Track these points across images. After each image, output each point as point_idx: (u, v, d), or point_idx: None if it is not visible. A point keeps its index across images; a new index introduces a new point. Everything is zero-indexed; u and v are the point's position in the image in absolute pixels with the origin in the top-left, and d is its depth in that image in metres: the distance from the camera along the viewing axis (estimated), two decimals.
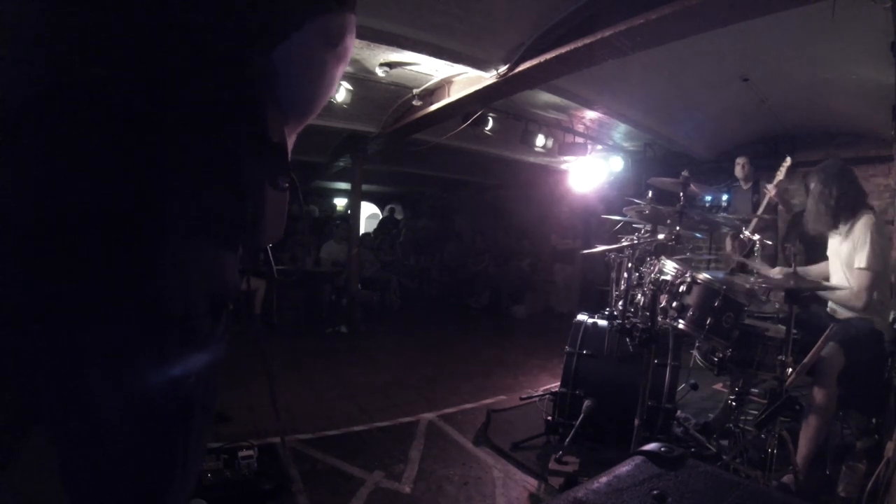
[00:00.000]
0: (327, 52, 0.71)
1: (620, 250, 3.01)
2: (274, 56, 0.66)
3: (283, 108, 0.71)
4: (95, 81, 0.61)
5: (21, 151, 0.62)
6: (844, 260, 2.43)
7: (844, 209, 2.42)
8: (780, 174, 3.43)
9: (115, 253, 0.63)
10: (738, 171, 4.52)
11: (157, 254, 0.66)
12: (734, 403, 2.66)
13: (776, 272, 2.57)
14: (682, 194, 2.67)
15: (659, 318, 2.26)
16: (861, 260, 2.29)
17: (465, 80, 3.78)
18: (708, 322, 2.25)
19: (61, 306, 0.63)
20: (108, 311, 0.64)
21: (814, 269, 2.67)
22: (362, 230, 7.97)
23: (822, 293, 2.49)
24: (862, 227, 2.35)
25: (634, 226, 3.20)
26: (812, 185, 2.56)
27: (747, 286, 2.35)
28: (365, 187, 7.22)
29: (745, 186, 4.52)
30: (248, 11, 0.65)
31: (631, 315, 2.69)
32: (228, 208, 0.69)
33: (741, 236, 3.15)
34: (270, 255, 0.93)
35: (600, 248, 3.09)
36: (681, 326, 2.33)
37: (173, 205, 0.65)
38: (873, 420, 2.36)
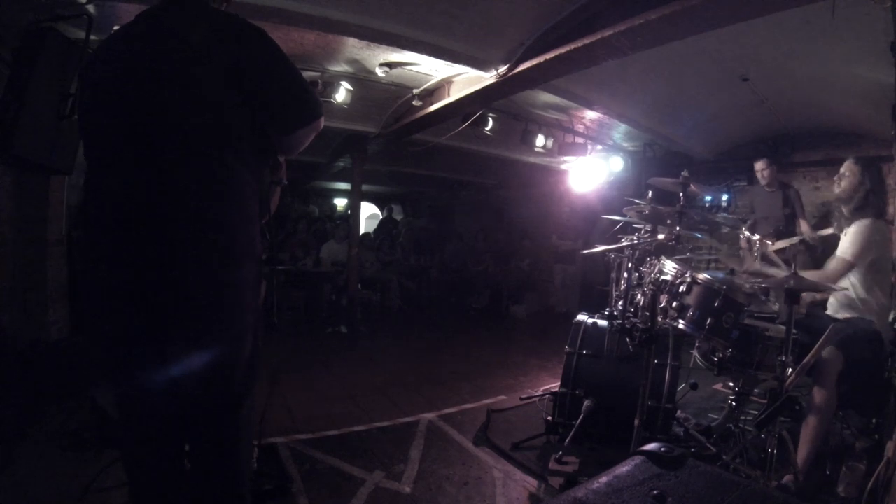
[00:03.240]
0: (313, 132, 1.35)
1: (620, 250, 3.01)
2: (291, 135, 1.32)
3: (283, 152, 1.41)
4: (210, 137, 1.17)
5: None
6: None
7: (861, 207, 2.48)
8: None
9: (239, 220, 1.22)
10: (760, 178, 4.35)
11: (248, 218, 1.25)
12: (734, 404, 2.66)
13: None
14: (682, 194, 2.67)
15: (659, 318, 2.26)
16: (846, 251, 2.40)
17: (465, 80, 3.78)
18: (708, 322, 2.25)
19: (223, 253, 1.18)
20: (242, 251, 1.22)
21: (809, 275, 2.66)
22: (362, 230, 7.97)
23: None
24: (859, 225, 2.42)
25: (634, 226, 3.20)
26: (852, 172, 2.55)
27: (747, 286, 2.35)
28: (365, 187, 7.19)
29: (768, 190, 4.33)
30: (290, 118, 1.29)
31: (631, 315, 2.69)
32: (262, 194, 1.33)
33: (754, 240, 3.10)
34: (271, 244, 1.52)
35: (600, 248, 3.09)
36: (681, 326, 2.33)
37: (248, 195, 1.24)
38: (873, 420, 2.35)
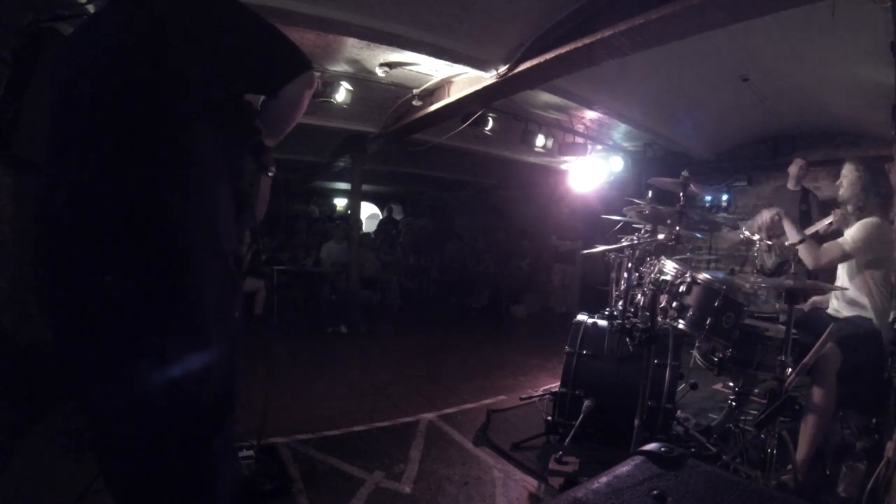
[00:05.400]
0: (305, 89, 1.18)
1: (620, 250, 3.01)
2: (279, 94, 1.15)
3: (274, 127, 1.24)
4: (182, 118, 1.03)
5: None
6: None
7: (863, 207, 2.49)
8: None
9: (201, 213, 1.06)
10: (794, 170, 4.19)
11: (210, 212, 1.08)
12: (734, 404, 2.66)
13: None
14: (682, 194, 2.67)
15: (659, 318, 2.26)
16: (846, 241, 2.39)
17: (465, 80, 3.78)
18: (708, 322, 2.25)
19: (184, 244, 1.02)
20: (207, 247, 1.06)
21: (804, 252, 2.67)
22: (362, 230, 7.96)
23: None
24: (863, 223, 2.41)
25: (634, 226, 3.20)
26: (850, 173, 2.58)
27: (747, 286, 2.36)
28: (365, 187, 7.20)
29: (792, 188, 4.23)
30: (275, 74, 1.14)
31: (631, 315, 2.69)
32: (244, 186, 1.21)
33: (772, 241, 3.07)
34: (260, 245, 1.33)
35: (600, 248, 3.10)
36: (681, 326, 2.33)
37: (223, 187, 1.10)
38: (873, 420, 2.36)
